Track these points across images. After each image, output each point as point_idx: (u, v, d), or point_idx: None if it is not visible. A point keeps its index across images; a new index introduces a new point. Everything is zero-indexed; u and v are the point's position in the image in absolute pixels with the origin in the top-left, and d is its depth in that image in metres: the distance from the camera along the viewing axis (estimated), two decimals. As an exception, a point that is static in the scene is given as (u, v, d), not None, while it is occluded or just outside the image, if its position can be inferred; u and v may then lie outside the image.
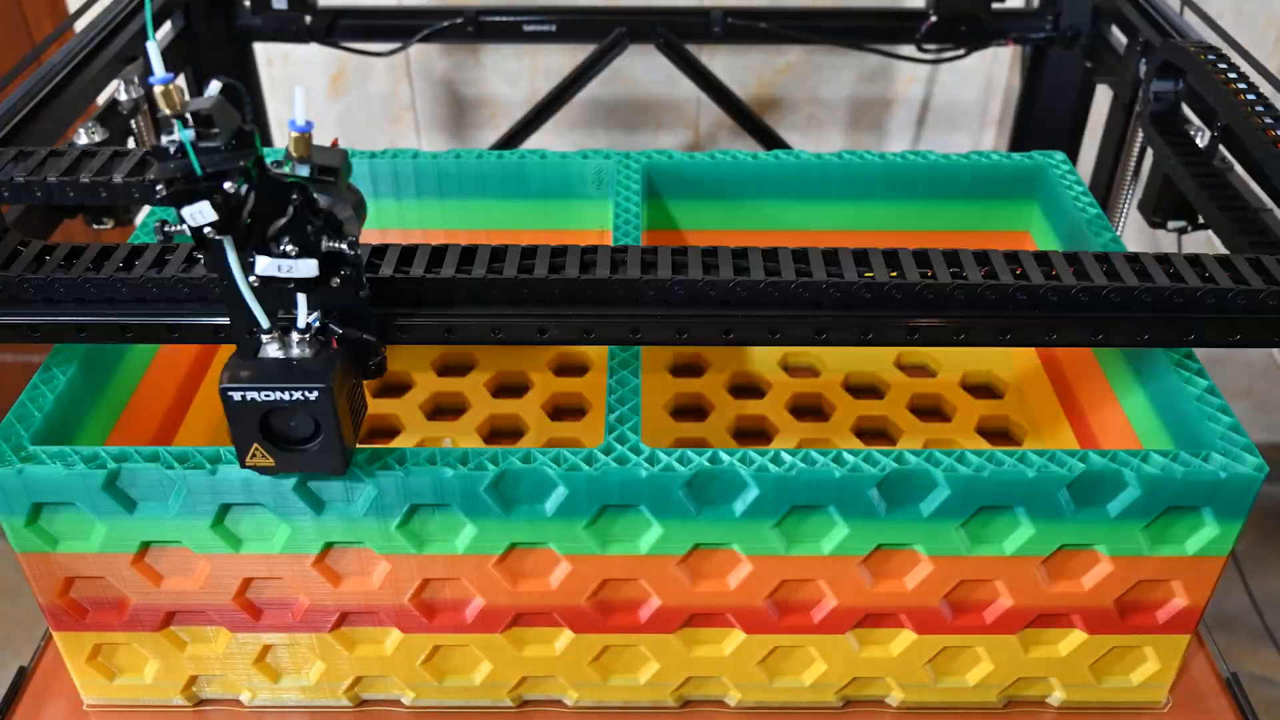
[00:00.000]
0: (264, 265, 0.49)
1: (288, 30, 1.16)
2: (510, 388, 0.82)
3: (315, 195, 0.48)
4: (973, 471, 0.54)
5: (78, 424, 0.61)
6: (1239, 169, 0.80)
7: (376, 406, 0.80)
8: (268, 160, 0.48)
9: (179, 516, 0.56)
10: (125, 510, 0.55)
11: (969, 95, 1.42)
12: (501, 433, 0.79)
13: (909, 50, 1.14)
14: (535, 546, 0.57)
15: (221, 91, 0.45)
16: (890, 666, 0.62)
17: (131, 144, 0.96)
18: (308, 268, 0.49)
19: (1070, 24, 1.10)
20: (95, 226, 0.91)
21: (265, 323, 0.51)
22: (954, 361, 0.83)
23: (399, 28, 1.17)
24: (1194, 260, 0.58)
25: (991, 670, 0.62)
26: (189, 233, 0.47)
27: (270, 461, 0.52)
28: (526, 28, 1.15)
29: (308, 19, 1.15)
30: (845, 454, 0.55)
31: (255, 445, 0.51)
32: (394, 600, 0.59)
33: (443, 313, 0.55)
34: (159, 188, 0.45)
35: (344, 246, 0.49)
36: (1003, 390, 0.82)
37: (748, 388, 0.82)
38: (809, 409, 0.81)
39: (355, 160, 0.76)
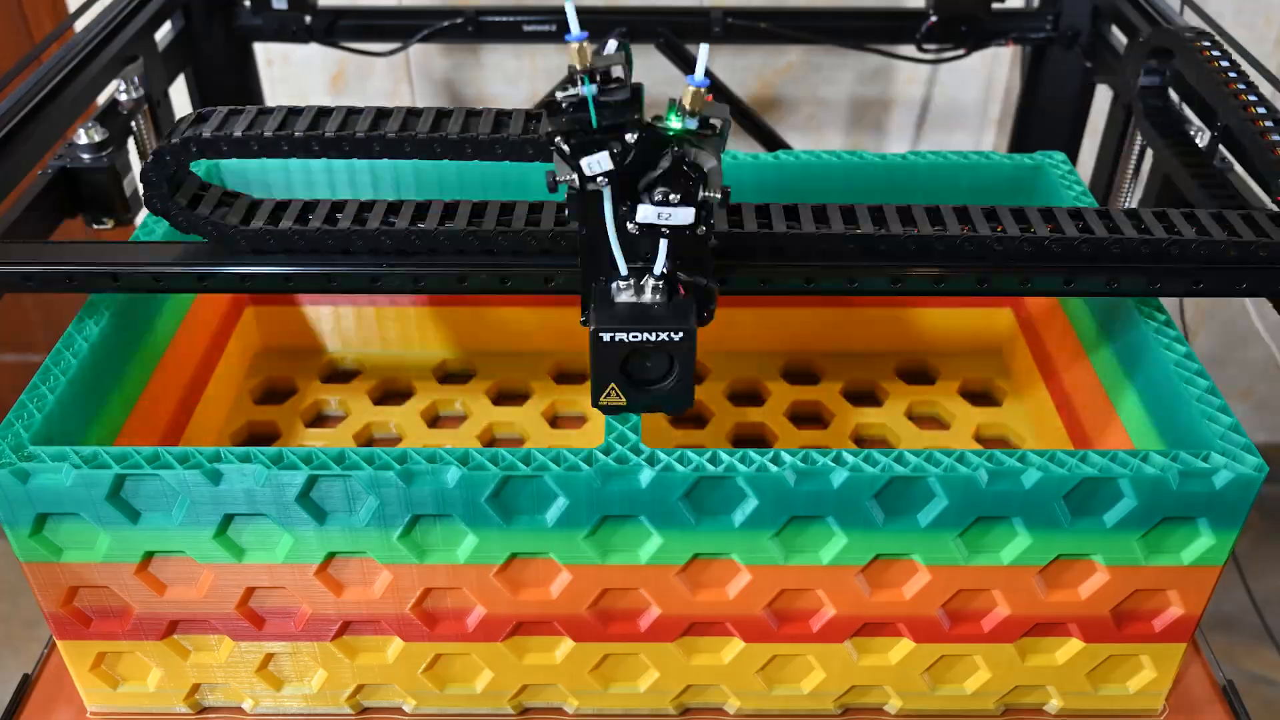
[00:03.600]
0: (645, 213, 0.51)
1: (288, 30, 1.16)
2: (510, 395, 0.82)
3: (689, 148, 0.50)
4: (971, 471, 0.54)
5: (81, 428, 0.61)
6: (1239, 169, 0.80)
7: (377, 414, 0.80)
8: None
9: (182, 526, 0.56)
10: (129, 520, 0.56)
11: (969, 95, 1.41)
12: (502, 441, 0.79)
13: (909, 50, 1.14)
14: (536, 556, 0.58)
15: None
16: (888, 675, 0.63)
17: (132, 144, 0.96)
18: (685, 216, 0.51)
19: (1070, 24, 1.10)
20: (95, 226, 0.91)
21: (625, 269, 0.54)
22: (952, 368, 0.84)
23: (399, 28, 1.17)
24: (1161, 215, 0.61)
25: (989, 679, 0.63)
26: (574, 183, 0.51)
27: (622, 401, 0.56)
28: (526, 28, 1.15)
29: (308, 19, 1.15)
30: (844, 454, 0.55)
31: (611, 385, 0.55)
32: (396, 609, 0.60)
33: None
34: (558, 140, 0.50)
35: (717, 196, 0.51)
36: (1000, 398, 0.82)
37: (747, 395, 0.82)
38: (808, 417, 0.81)
39: (355, 162, 0.76)
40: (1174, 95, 0.87)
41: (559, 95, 0.50)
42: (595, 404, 0.56)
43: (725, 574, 0.59)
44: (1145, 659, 0.62)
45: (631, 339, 0.53)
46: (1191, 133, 0.83)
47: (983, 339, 0.85)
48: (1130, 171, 0.96)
